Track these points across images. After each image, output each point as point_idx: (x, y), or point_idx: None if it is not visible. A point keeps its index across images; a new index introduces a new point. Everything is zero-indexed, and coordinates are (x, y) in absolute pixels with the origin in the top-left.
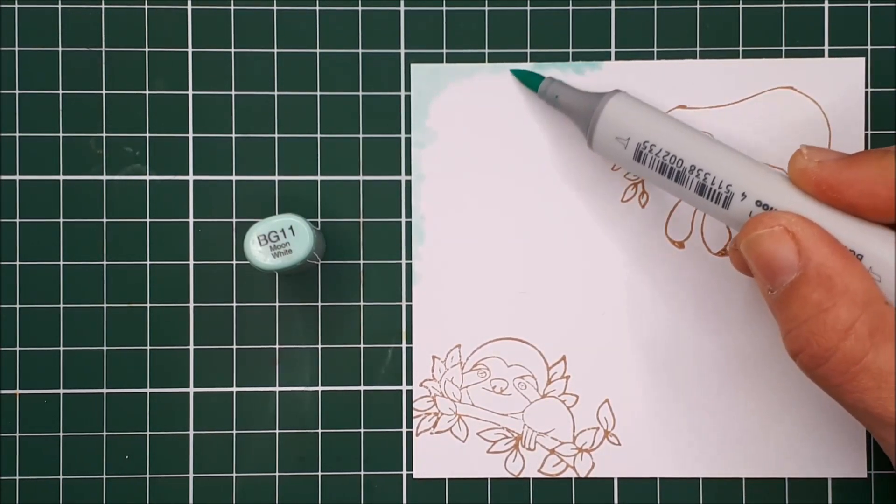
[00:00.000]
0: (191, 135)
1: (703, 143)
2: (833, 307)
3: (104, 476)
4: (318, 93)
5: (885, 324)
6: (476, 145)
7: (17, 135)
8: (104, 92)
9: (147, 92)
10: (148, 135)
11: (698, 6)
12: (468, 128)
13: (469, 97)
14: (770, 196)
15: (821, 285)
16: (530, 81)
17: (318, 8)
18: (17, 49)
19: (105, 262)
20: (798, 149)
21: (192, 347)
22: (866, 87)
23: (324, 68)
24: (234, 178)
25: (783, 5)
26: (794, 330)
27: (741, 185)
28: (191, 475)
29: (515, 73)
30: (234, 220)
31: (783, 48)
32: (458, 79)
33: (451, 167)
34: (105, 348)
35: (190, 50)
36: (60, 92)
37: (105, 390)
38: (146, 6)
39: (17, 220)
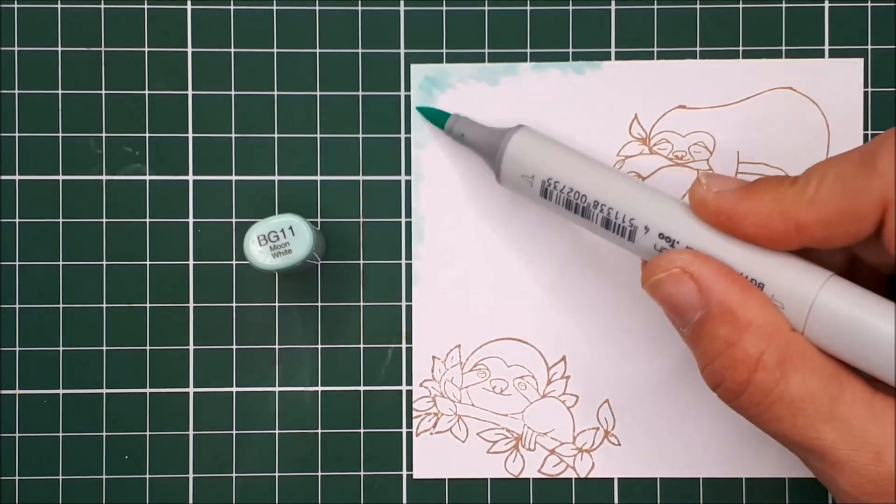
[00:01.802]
0: (191, 135)
1: (605, 178)
2: (739, 341)
3: (104, 476)
4: (318, 93)
5: (793, 352)
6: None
7: (17, 135)
8: (104, 92)
9: (147, 92)
10: (148, 135)
11: (698, 6)
12: None
13: (470, 97)
14: (671, 228)
15: (725, 321)
16: (437, 119)
17: (318, 8)
18: (16, 49)
19: (105, 262)
20: (697, 177)
21: (191, 347)
22: (866, 87)
23: (324, 68)
24: (233, 178)
25: (783, 5)
26: (708, 366)
27: (643, 219)
28: (191, 475)
29: (421, 110)
30: (233, 220)
31: (783, 48)
32: (462, 79)
33: (451, 167)
34: (105, 348)
35: (190, 50)
36: (60, 92)
37: (105, 390)
38: (146, 6)
39: (17, 220)
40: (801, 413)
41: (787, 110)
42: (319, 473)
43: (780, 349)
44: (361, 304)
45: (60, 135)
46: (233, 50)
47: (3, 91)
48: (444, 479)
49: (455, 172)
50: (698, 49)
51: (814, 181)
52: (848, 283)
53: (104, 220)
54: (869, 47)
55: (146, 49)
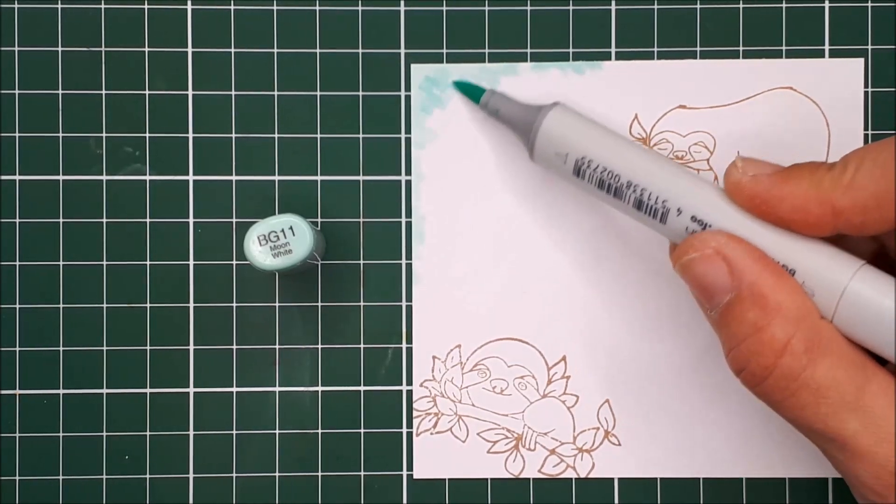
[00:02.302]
0: (191, 135)
1: (639, 159)
2: (768, 325)
3: (104, 476)
4: (318, 93)
5: (821, 339)
6: (476, 145)
7: (17, 135)
8: (104, 92)
9: (147, 92)
10: (148, 135)
11: (698, 6)
12: (468, 128)
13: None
14: (704, 211)
15: (755, 304)
16: (472, 93)
17: (318, 8)
18: (16, 49)
19: (105, 262)
20: (733, 160)
21: (192, 347)
22: (866, 87)
23: (324, 68)
24: (234, 178)
25: (783, 5)
26: (734, 349)
27: (676, 201)
28: (191, 475)
29: (457, 84)
30: (234, 220)
31: (783, 48)
32: (462, 79)
33: (452, 167)
34: (105, 348)
35: (190, 50)
36: (60, 92)
37: (105, 390)
38: (146, 6)
39: (17, 220)
40: (825, 401)
41: (787, 110)
42: (319, 473)
43: (809, 335)
44: (361, 304)
45: (60, 135)
46: (233, 50)
47: (3, 91)
48: (445, 479)
49: (455, 172)
50: (698, 49)
51: (851, 167)
52: (880, 273)
53: (104, 220)
54: (869, 47)
55: (146, 49)
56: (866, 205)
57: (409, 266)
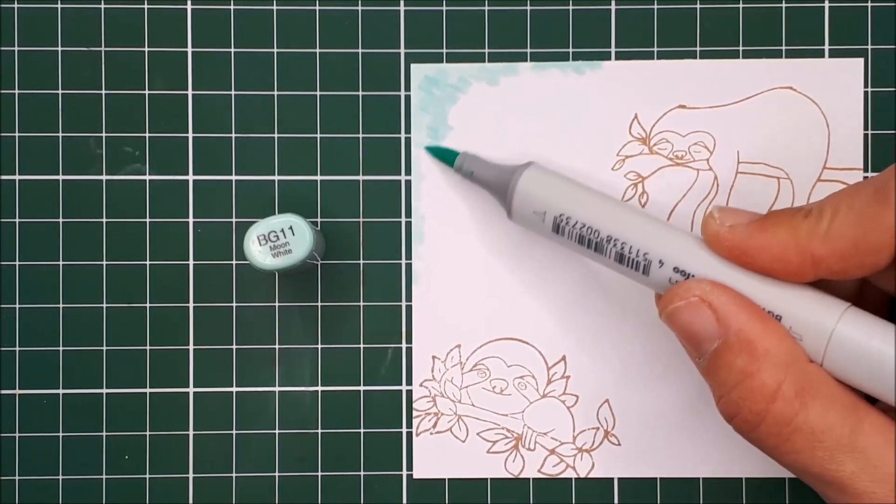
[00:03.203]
0: (191, 135)
1: (618, 213)
2: (758, 371)
3: (104, 476)
4: (318, 93)
5: (811, 383)
6: (477, 145)
7: (17, 135)
8: (104, 92)
9: (147, 92)
10: (148, 135)
11: (698, 6)
12: (469, 128)
13: (471, 98)
14: (686, 262)
15: (743, 350)
16: (445, 157)
17: (318, 8)
18: (16, 49)
19: (105, 262)
20: (709, 210)
21: (191, 347)
22: (866, 87)
23: (324, 68)
24: (233, 178)
25: (783, 5)
26: (725, 397)
27: (658, 253)
28: (191, 475)
29: (430, 149)
30: (233, 220)
31: (783, 48)
32: (462, 79)
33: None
34: (105, 348)
35: (190, 50)
36: (60, 92)
37: (105, 390)
38: (146, 6)
39: (17, 220)
40: (820, 445)
41: (787, 110)
42: (319, 473)
43: (799, 380)
44: (361, 304)
45: (60, 135)
46: (233, 50)
47: (3, 91)
48: (444, 479)
49: (454, 171)
50: (698, 49)
51: (827, 214)
52: (865, 314)
53: (104, 220)
54: (869, 47)
55: (146, 49)
56: (845, 252)
57: (409, 266)
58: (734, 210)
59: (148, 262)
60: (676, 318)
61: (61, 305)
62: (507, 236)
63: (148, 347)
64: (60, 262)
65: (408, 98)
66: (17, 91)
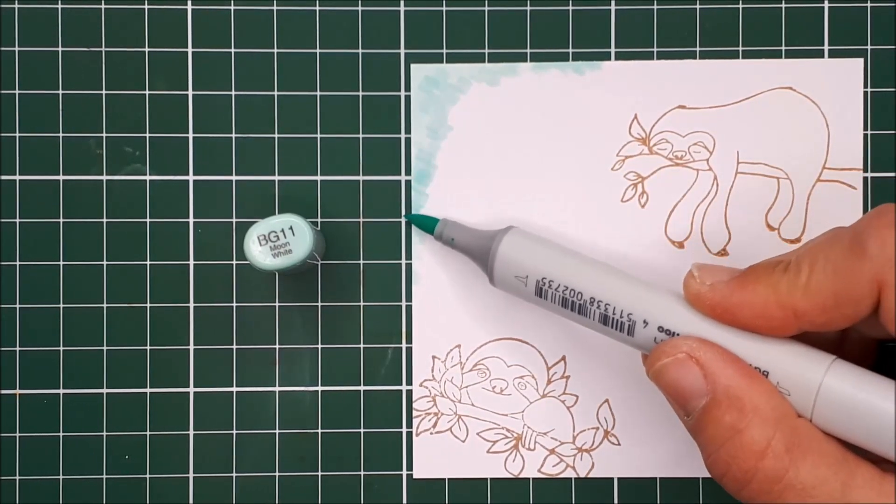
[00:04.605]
0: (191, 135)
1: (600, 275)
2: (747, 428)
3: (104, 476)
4: (318, 93)
5: (801, 438)
6: (477, 145)
7: (17, 135)
8: (104, 92)
9: (147, 92)
10: (148, 135)
11: (698, 6)
12: (469, 128)
13: (471, 98)
14: (670, 321)
15: (731, 407)
16: (425, 225)
17: (318, 8)
18: (17, 49)
19: (105, 262)
20: (689, 270)
21: (192, 347)
22: (866, 87)
23: (324, 68)
24: (234, 178)
25: (783, 5)
26: (714, 454)
27: (641, 313)
28: (191, 475)
29: (410, 217)
30: (234, 220)
31: (783, 48)
32: (462, 79)
33: (453, 167)
34: (105, 348)
35: (190, 50)
36: (60, 92)
37: (105, 390)
38: (146, 6)
39: (17, 220)
40: (811, 501)
41: (787, 110)
42: (319, 473)
43: (788, 435)
44: (361, 304)
45: (60, 135)
46: (233, 50)
47: (3, 91)
48: (444, 479)
49: (456, 172)
50: (698, 49)
51: (805, 268)
52: (851, 366)
53: (104, 220)
54: (869, 47)
55: (146, 49)
56: (826, 305)
57: (409, 266)
58: (713, 267)
59: (148, 262)
60: (664, 375)
61: (61, 305)
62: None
63: (148, 347)
64: (60, 262)
65: (408, 98)
66: (17, 91)
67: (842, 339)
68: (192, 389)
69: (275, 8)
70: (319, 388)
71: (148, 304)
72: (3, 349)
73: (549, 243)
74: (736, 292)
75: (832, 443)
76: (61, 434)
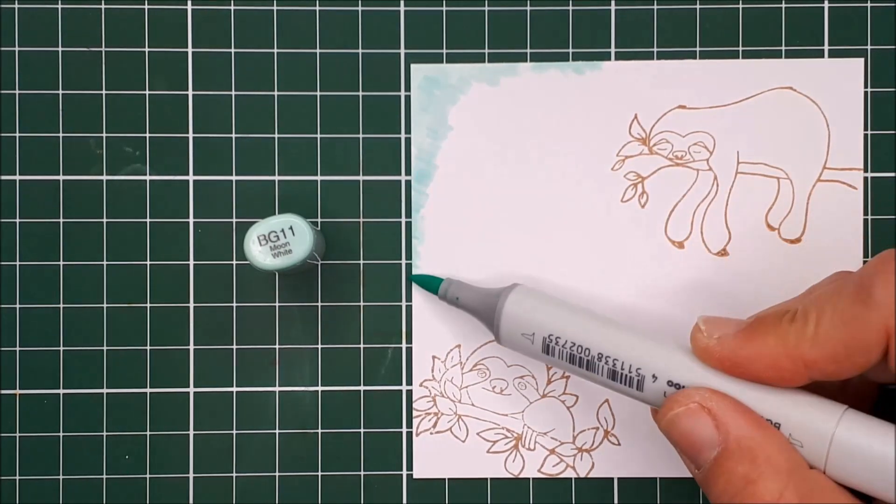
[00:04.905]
0: (191, 135)
1: (607, 330)
2: (759, 478)
3: (104, 476)
4: (318, 93)
5: (814, 489)
6: (477, 145)
7: (17, 135)
8: (104, 92)
9: (147, 92)
10: (148, 135)
11: (698, 6)
12: (469, 128)
13: (471, 98)
14: (680, 375)
15: (744, 458)
16: (430, 285)
17: (318, 8)
18: (17, 49)
19: (105, 262)
20: (696, 323)
21: (192, 347)
22: (866, 87)
23: (324, 68)
24: (234, 178)
25: (783, 5)
26: None
27: (650, 368)
28: (191, 475)
29: (414, 278)
30: (234, 220)
31: (783, 48)
32: (462, 79)
33: (453, 167)
34: (105, 348)
35: (190, 50)
36: (60, 92)
37: (105, 390)
38: (146, 6)
39: (17, 220)
40: None
41: (787, 110)
42: (319, 473)
43: (801, 486)
44: (361, 304)
45: (60, 135)
46: (233, 50)
47: (3, 91)
48: (444, 479)
49: (456, 172)
50: (698, 49)
51: (812, 318)
52: (862, 415)
53: (104, 220)
54: (869, 47)
55: (146, 49)
56: (836, 355)
57: (409, 266)
58: (719, 320)
59: (148, 262)
60: (676, 426)
61: (61, 305)
62: (508, 236)
63: (148, 347)
64: (60, 262)
65: (408, 98)
66: (17, 91)
67: (844, 383)
68: (192, 389)
69: (275, 8)
70: (319, 388)
71: (148, 304)
72: (3, 349)
73: (554, 300)
74: (744, 345)
75: (845, 494)
76: (61, 434)
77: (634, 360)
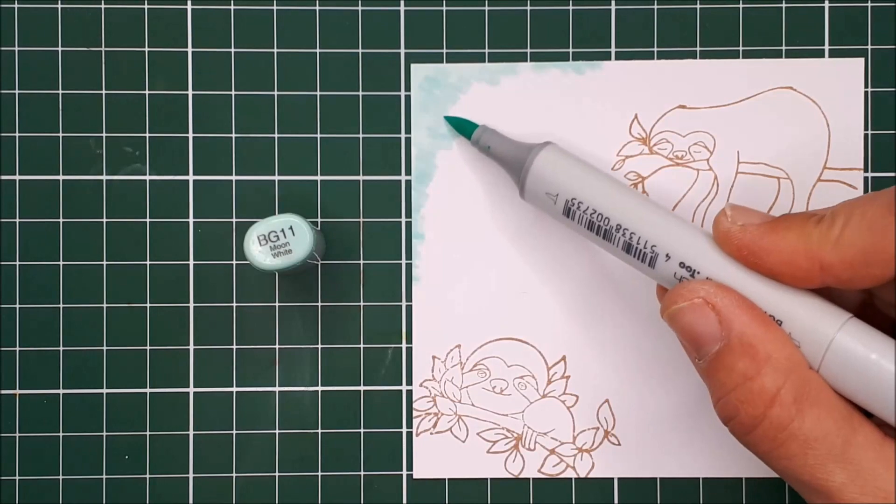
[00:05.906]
0: (191, 135)
1: (630, 202)
2: (758, 375)
3: (104, 476)
4: (318, 93)
5: (810, 390)
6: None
7: (17, 135)
8: (104, 92)
9: (147, 92)
10: (148, 135)
11: (698, 6)
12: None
13: (471, 98)
14: (693, 258)
15: (744, 354)
16: (464, 129)
17: (318, 8)
18: (17, 49)
19: (105, 262)
20: (722, 208)
21: (192, 347)
22: (866, 87)
23: (324, 68)
24: (234, 178)
25: (783, 5)
26: (723, 399)
27: (665, 246)
28: (191, 475)
29: (449, 120)
30: (234, 220)
31: (783, 48)
32: (462, 79)
33: (453, 167)
34: (105, 348)
35: (190, 50)
36: (60, 92)
37: (105, 390)
38: (146, 6)
39: (17, 220)
40: (812, 452)
41: (787, 110)
42: (319, 473)
43: (798, 386)
44: (361, 304)
45: (60, 135)
46: (233, 50)
47: (3, 91)
48: (444, 479)
49: (454, 172)
50: (698, 49)
51: (839, 221)
52: (866, 326)
53: (104, 220)
54: (869, 47)
55: (146, 49)
56: (854, 261)
57: (409, 266)
58: (747, 209)
59: (148, 262)
60: (679, 319)
61: (61, 305)
62: (508, 235)
63: (148, 347)
64: (60, 262)
65: (408, 98)
66: (17, 91)
67: (862, 306)
68: (192, 389)
69: (275, 8)
70: (319, 389)
71: (148, 304)
72: (3, 349)
73: (584, 164)
74: (766, 236)
75: (839, 399)
76: (61, 434)
77: (651, 237)
